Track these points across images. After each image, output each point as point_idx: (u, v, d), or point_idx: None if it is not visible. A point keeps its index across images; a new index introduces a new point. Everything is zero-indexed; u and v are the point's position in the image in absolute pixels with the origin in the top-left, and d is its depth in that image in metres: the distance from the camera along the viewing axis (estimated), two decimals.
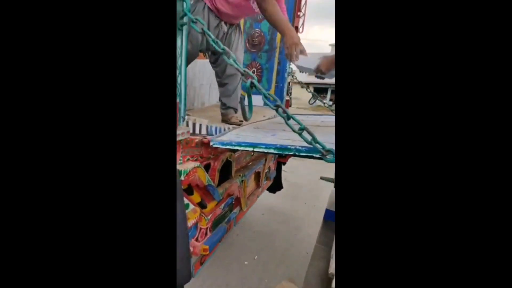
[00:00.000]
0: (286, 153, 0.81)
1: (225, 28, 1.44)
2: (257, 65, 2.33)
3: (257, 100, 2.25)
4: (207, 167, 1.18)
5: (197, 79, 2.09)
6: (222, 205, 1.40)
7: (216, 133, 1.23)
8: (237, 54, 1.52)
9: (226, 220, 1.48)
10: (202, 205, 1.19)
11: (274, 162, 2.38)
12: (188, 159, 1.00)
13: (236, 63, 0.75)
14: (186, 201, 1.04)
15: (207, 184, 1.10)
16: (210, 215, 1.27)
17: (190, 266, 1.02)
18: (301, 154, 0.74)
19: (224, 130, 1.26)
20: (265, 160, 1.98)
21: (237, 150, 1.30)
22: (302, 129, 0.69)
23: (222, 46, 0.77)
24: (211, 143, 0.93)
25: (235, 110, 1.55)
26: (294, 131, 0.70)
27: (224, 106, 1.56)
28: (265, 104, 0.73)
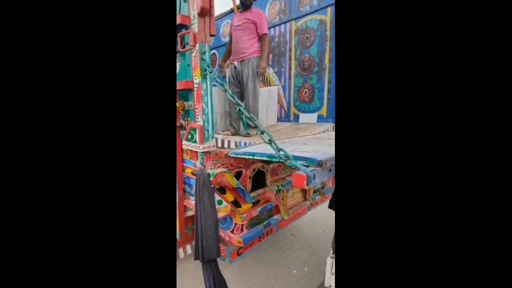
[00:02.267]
0: (259, 158, 1.02)
1: (236, 64, 2.03)
2: (309, 86, 2.52)
3: (309, 118, 2.43)
4: (239, 174, 1.51)
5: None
6: (259, 208, 1.66)
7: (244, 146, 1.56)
8: (249, 84, 2.00)
9: (265, 223, 1.71)
10: (236, 204, 1.51)
11: (332, 178, 2.38)
12: (219, 166, 1.37)
13: (231, 96, 1.06)
14: (219, 198, 1.40)
15: (236, 186, 1.42)
16: (245, 215, 1.56)
17: (218, 246, 1.33)
18: (271, 159, 0.95)
19: (246, 144, 1.56)
20: None
21: (268, 161, 1.57)
22: (271, 141, 0.91)
23: (225, 85, 1.11)
24: (229, 154, 1.27)
25: (255, 128, 2.05)
26: (265, 142, 0.92)
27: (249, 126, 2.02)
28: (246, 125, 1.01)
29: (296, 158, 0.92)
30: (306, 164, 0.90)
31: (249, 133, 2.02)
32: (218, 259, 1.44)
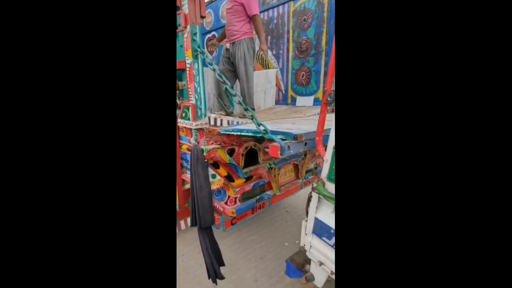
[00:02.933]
0: (245, 134, 1.12)
1: (227, 46, 2.08)
2: (306, 68, 2.55)
3: (306, 100, 2.48)
4: (232, 151, 1.63)
5: None
6: (252, 184, 1.79)
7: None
8: (241, 66, 2.04)
9: (257, 197, 1.84)
10: (229, 178, 1.63)
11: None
12: (212, 143, 1.48)
13: (219, 75, 1.14)
14: (213, 172, 1.53)
15: (229, 162, 1.54)
16: (238, 189, 1.69)
17: (213, 215, 1.48)
18: (255, 135, 1.05)
19: (238, 123, 1.66)
20: (305, 155, 2.18)
21: (256, 139, 1.68)
22: (252, 116, 1.00)
23: (213, 65, 1.19)
24: (220, 131, 1.37)
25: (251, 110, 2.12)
26: (248, 117, 1.02)
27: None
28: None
29: (275, 132, 1.01)
30: (283, 138, 1.00)
31: (244, 114, 2.11)
32: (213, 229, 1.60)
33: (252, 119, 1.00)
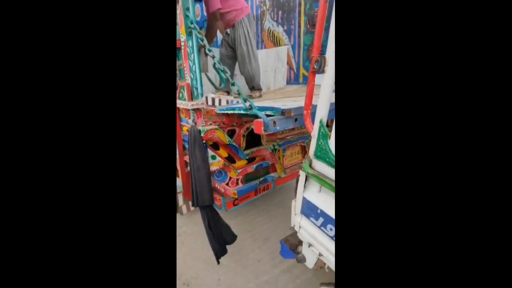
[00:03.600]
0: (237, 111, 1.07)
1: (228, 31, 1.98)
2: None
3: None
4: (233, 132, 1.60)
5: (261, 67, 2.49)
6: (254, 165, 1.76)
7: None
8: (242, 46, 1.94)
9: (261, 179, 1.82)
10: (230, 160, 1.62)
11: None
12: (211, 124, 1.46)
13: (209, 49, 1.09)
14: (212, 153, 1.52)
15: (228, 143, 1.51)
16: (240, 170, 1.68)
17: (211, 194, 1.49)
18: (246, 112, 0.99)
19: (237, 103, 1.61)
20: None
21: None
22: (239, 92, 0.95)
23: (204, 41, 1.14)
24: (216, 111, 1.34)
25: (258, 90, 2.02)
26: (235, 93, 0.97)
27: (251, 87, 2.05)
28: None
29: (263, 108, 0.95)
30: (272, 114, 0.93)
31: (251, 95, 2.05)
32: (220, 210, 1.63)
33: (238, 94, 0.94)
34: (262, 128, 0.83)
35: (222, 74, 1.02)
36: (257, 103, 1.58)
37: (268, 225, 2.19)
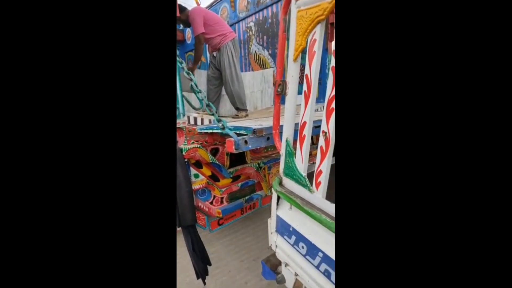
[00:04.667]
0: (215, 131, 1.10)
1: (214, 54, 2.11)
2: (303, 67, 2.49)
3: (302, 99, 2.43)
4: (216, 151, 1.63)
5: (247, 88, 2.59)
6: (239, 184, 1.77)
7: None
8: (226, 69, 2.06)
9: (246, 198, 1.82)
10: (214, 178, 1.63)
11: None
12: (193, 142, 1.49)
13: (187, 72, 1.15)
14: (195, 171, 1.54)
15: (211, 162, 1.54)
16: (225, 189, 1.68)
17: (193, 214, 1.48)
18: (221, 132, 1.03)
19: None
20: None
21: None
22: (213, 113, 1.00)
23: (182, 64, 1.20)
24: (197, 129, 1.38)
25: (244, 110, 2.11)
26: (208, 113, 1.01)
27: (236, 108, 2.14)
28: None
29: (237, 128, 0.99)
30: (245, 133, 0.97)
31: (237, 115, 2.12)
32: (204, 230, 1.61)
33: (212, 114, 0.99)
34: (233, 146, 0.87)
35: (198, 95, 1.07)
36: (238, 122, 1.63)
37: (257, 245, 2.15)
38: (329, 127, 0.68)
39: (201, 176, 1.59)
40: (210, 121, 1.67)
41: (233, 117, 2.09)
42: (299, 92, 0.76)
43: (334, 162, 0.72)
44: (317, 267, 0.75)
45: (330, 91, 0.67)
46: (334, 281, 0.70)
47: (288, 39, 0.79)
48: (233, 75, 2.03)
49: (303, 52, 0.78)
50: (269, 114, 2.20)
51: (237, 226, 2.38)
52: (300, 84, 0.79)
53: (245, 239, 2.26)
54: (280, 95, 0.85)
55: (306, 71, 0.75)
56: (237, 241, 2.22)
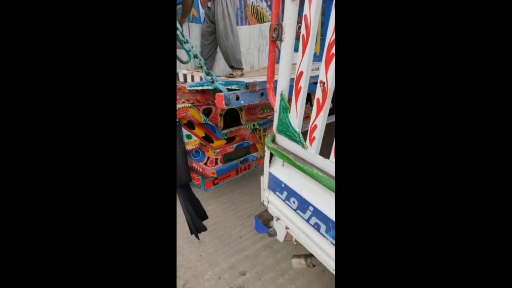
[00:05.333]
0: (205, 87, 1.03)
1: (209, 5, 1.89)
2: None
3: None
4: (209, 111, 1.56)
5: (243, 44, 2.40)
6: (234, 145, 1.75)
7: None
8: (220, 21, 1.87)
9: (241, 159, 1.82)
10: (208, 139, 1.60)
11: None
12: (183, 101, 1.42)
13: (180, 33, 1.02)
14: (187, 132, 1.50)
15: (204, 122, 1.49)
16: (219, 150, 1.66)
17: (188, 173, 1.49)
18: (210, 87, 0.96)
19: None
20: None
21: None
22: (201, 65, 0.91)
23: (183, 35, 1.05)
24: (186, 87, 1.30)
25: (239, 69, 1.96)
26: (197, 65, 0.93)
27: (230, 66, 1.99)
28: None
29: (228, 83, 0.92)
30: (236, 88, 0.91)
31: (232, 74, 1.99)
32: (199, 190, 1.64)
33: (200, 67, 0.90)
34: (223, 101, 0.81)
35: (185, 46, 0.97)
36: (231, 79, 1.53)
37: (251, 203, 2.23)
38: (327, 76, 0.62)
39: (194, 137, 1.55)
40: (201, 79, 1.57)
41: (227, 77, 1.97)
42: (296, 50, 0.68)
43: (329, 121, 0.68)
44: (308, 220, 0.77)
45: (331, 34, 0.59)
46: (323, 233, 0.72)
47: None
48: (227, 28, 1.84)
49: None
50: (265, 72, 2.08)
51: (233, 186, 2.44)
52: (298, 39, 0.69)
53: (240, 197, 2.34)
54: (276, 42, 0.76)
55: (305, 11, 0.66)
56: (232, 200, 2.31)
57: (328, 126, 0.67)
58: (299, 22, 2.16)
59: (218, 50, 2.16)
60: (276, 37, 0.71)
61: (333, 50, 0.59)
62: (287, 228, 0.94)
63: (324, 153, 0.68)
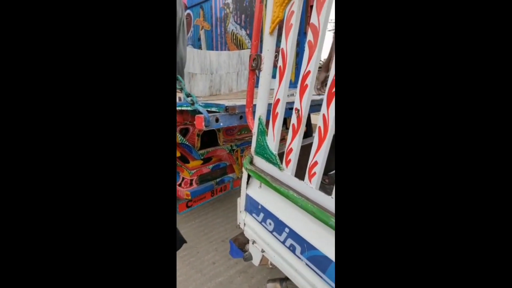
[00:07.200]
0: (184, 108, 1.05)
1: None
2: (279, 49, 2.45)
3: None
4: (186, 131, 1.55)
5: (223, 68, 2.48)
6: (211, 166, 1.73)
7: None
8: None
9: (217, 180, 1.80)
10: (183, 160, 1.57)
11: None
12: None
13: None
14: None
15: (180, 142, 1.47)
16: (195, 171, 1.63)
17: None
18: (189, 108, 0.98)
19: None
20: None
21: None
22: (181, 88, 0.93)
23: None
24: None
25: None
26: (178, 88, 0.94)
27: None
28: None
29: (208, 105, 0.94)
30: (216, 110, 0.93)
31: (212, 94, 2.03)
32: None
33: (181, 89, 0.92)
34: (203, 123, 0.82)
35: None
36: (210, 101, 1.56)
37: (225, 226, 2.16)
38: (302, 104, 0.67)
39: None
40: (180, 99, 1.58)
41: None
42: (273, 76, 0.73)
43: (303, 144, 0.73)
44: (283, 242, 0.78)
45: (305, 66, 0.65)
46: (298, 255, 0.73)
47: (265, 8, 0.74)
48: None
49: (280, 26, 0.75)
50: (245, 97, 2.15)
51: (207, 209, 2.36)
52: (275, 67, 0.76)
53: (214, 220, 2.26)
54: (255, 71, 0.81)
55: (282, 44, 0.73)
56: (206, 223, 2.21)
57: (301, 148, 0.72)
58: (276, 51, 2.29)
59: (196, 71, 2.17)
60: (255, 67, 0.77)
61: (307, 81, 0.65)
62: (263, 251, 0.93)
63: (299, 174, 0.71)
